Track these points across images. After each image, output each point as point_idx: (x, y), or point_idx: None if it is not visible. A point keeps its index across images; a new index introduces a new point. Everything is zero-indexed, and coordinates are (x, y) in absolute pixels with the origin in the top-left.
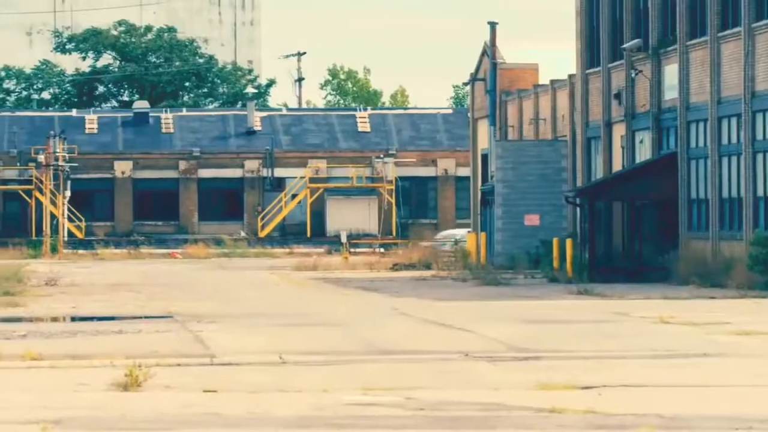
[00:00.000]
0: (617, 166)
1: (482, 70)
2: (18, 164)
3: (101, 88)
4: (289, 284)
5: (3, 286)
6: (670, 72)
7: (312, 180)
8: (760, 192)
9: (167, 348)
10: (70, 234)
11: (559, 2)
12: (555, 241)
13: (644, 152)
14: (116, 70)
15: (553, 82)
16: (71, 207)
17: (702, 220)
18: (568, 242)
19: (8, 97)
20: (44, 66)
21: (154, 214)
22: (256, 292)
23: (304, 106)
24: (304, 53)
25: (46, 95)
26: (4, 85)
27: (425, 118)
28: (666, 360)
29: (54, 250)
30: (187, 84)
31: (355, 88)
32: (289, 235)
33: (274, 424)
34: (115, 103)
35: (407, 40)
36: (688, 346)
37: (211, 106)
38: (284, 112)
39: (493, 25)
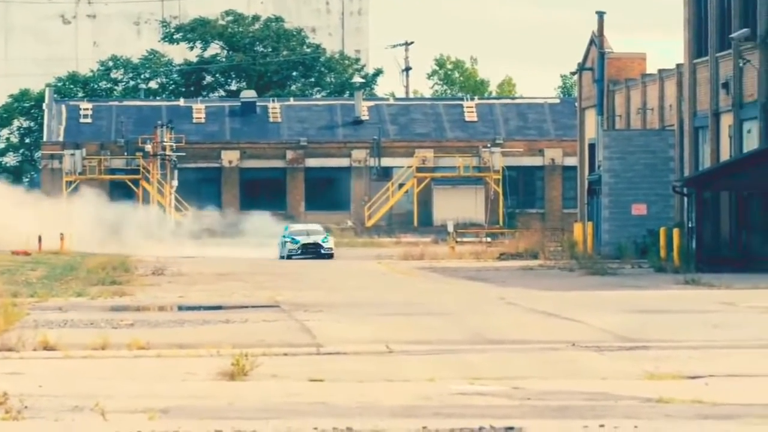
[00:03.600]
0: (725, 155)
1: (590, 60)
2: (125, 154)
3: (208, 78)
4: (396, 274)
5: (111, 276)
6: None
7: (419, 169)
8: None
9: (274, 337)
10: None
11: None
12: (662, 230)
13: (752, 142)
14: (224, 59)
15: (660, 71)
16: (178, 196)
17: None
18: (675, 232)
19: (116, 87)
20: (152, 56)
21: (260, 204)
22: (363, 281)
23: (411, 95)
24: (412, 43)
25: (153, 85)
26: (112, 75)
27: (532, 107)
28: None
29: None
30: (294, 73)
31: (462, 78)
32: (395, 224)
33: (381, 413)
34: (222, 93)
35: (514, 30)
36: None
37: (318, 96)
38: (391, 101)
39: (601, 15)
